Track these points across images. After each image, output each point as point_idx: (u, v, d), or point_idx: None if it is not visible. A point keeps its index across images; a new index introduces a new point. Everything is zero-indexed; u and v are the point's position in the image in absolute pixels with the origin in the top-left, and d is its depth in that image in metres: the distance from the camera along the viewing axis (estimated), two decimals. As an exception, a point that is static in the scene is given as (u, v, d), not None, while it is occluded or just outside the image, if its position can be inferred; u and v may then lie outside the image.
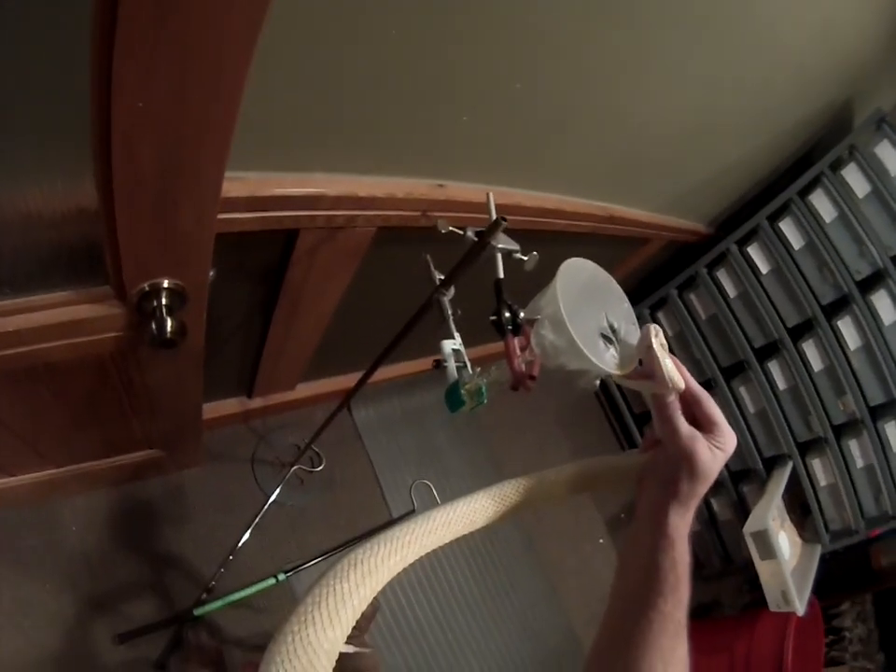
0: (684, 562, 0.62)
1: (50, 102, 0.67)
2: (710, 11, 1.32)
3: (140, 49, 0.56)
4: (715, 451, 0.63)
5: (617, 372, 0.65)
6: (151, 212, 0.77)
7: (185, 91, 0.61)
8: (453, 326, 1.05)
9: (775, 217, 2.55)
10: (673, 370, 0.63)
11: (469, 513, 0.67)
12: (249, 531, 1.98)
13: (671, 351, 0.66)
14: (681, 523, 0.64)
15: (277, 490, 2.07)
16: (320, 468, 2.26)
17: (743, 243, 2.67)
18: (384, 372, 2.40)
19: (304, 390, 2.25)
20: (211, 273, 0.99)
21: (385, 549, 0.56)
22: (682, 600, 0.61)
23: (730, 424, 0.66)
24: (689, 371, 0.66)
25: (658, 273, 3.07)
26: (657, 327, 0.65)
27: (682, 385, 0.64)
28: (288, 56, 0.87)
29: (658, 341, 0.64)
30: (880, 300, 2.32)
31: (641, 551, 0.65)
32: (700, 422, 0.65)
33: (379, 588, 0.54)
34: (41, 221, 0.79)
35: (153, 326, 0.92)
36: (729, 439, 0.65)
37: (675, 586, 0.61)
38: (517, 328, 0.87)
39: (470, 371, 0.96)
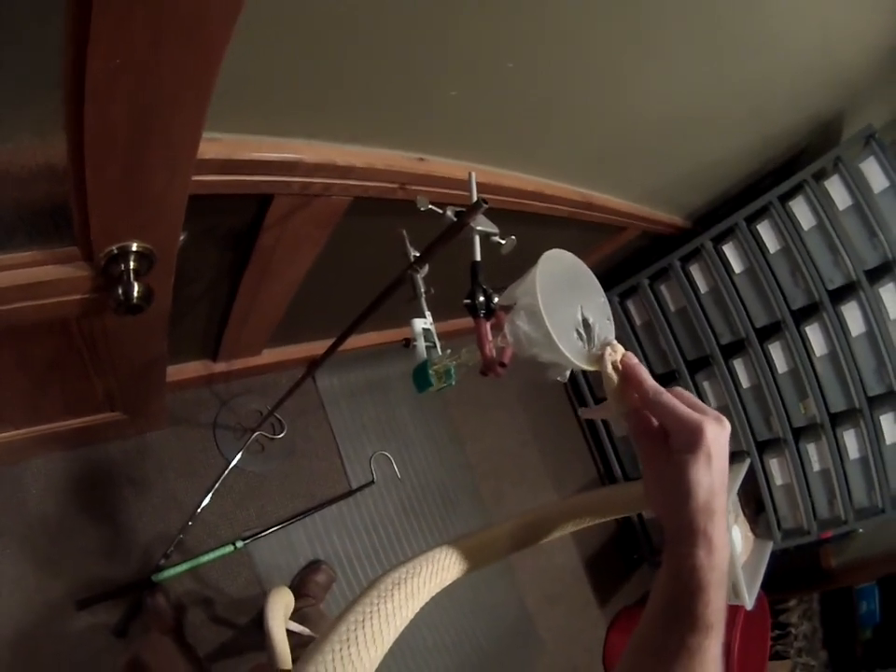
0: (687, 602, 0.53)
1: (19, 54, 0.64)
2: (712, 8, 1.30)
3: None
4: (670, 459, 0.57)
5: (588, 368, 0.65)
6: (122, 172, 0.75)
7: (163, 44, 0.58)
8: (424, 304, 1.04)
9: (753, 219, 2.56)
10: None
11: (504, 536, 0.69)
12: (209, 496, 1.97)
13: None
14: (674, 556, 0.55)
15: (238, 456, 2.07)
16: (282, 435, 2.25)
17: (719, 240, 2.68)
18: (350, 342, 2.38)
19: (270, 356, 2.22)
20: (182, 237, 0.97)
21: (427, 570, 0.58)
22: (677, 633, 0.53)
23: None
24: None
25: (631, 261, 3.07)
26: (629, 353, 0.64)
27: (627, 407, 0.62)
28: (274, 16, 0.84)
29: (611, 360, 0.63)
30: (850, 310, 2.35)
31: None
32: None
33: (418, 609, 0.55)
34: (7, 177, 0.76)
35: (119, 290, 0.89)
36: (682, 438, 0.56)
37: (672, 619, 0.54)
38: (490, 312, 0.86)
39: (440, 352, 0.95)
